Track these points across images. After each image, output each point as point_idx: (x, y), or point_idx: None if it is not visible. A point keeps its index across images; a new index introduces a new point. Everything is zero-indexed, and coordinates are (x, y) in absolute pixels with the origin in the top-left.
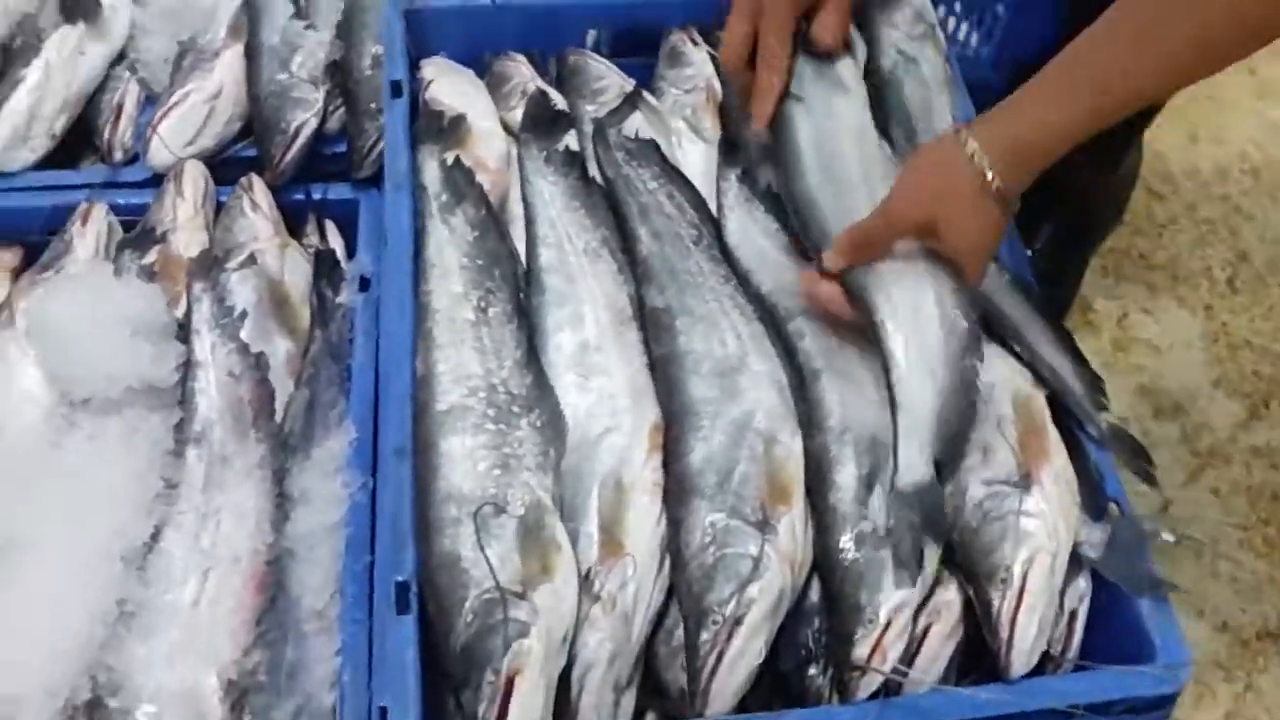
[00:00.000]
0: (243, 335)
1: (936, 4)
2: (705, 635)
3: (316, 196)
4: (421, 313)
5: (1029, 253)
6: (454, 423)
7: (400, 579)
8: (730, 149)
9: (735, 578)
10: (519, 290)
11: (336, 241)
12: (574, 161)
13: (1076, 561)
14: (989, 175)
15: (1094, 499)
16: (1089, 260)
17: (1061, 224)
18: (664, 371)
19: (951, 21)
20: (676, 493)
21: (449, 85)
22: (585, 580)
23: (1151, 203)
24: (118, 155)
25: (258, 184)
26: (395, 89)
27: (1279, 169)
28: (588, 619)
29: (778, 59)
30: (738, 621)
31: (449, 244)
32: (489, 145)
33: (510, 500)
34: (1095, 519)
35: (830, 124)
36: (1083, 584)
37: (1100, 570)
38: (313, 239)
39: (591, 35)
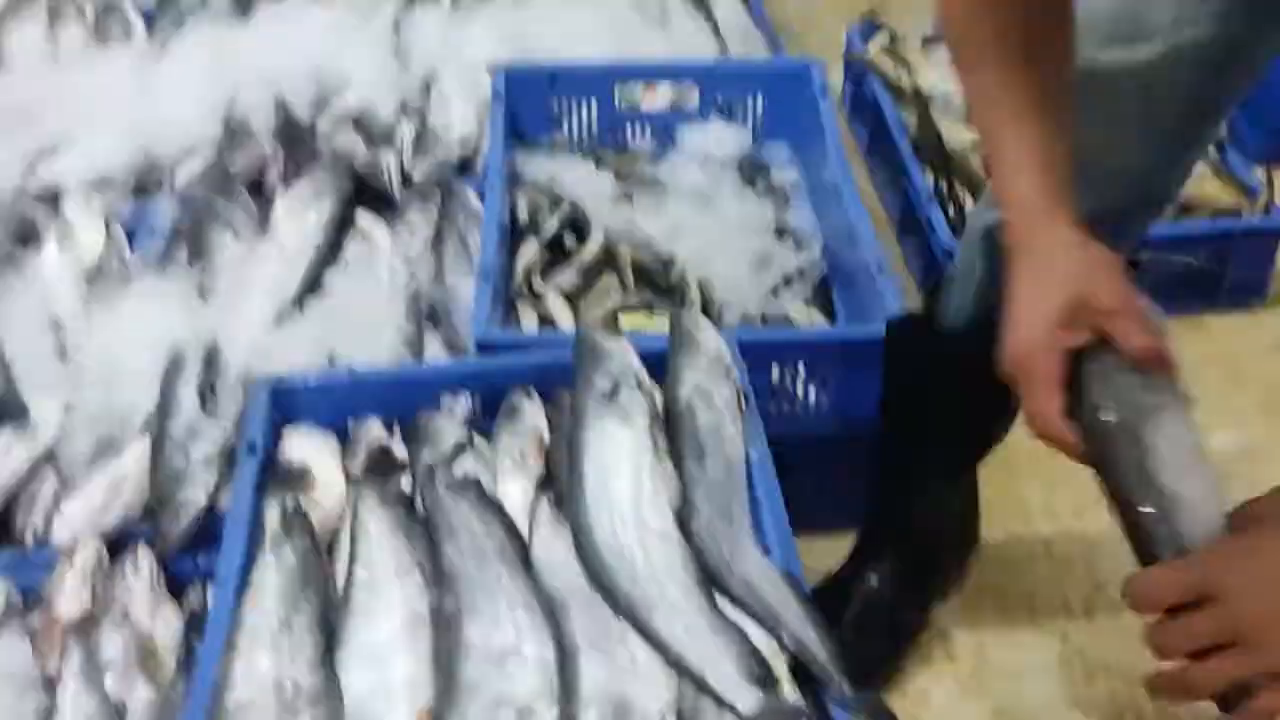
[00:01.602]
0: (106, 684)
1: (784, 366)
2: None
3: (202, 563)
4: (232, 627)
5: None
6: (239, 715)
7: None
8: (548, 479)
9: None
10: (326, 605)
11: None
12: (401, 500)
13: None
14: None
15: None
16: (930, 606)
17: (904, 562)
18: (441, 661)
19: (799, 385)
20: None
21: (302, 443)
22: None
23: (1009, 542)
24: (28, 539)
25: (143, 552)
26: (250, 448)
27: None
28: None
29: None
30: None
31: (272, 569)
32: (327, 490)
33: None
34: None
35: (610, 451)
36: None
37: None
38: (193, 600)
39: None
